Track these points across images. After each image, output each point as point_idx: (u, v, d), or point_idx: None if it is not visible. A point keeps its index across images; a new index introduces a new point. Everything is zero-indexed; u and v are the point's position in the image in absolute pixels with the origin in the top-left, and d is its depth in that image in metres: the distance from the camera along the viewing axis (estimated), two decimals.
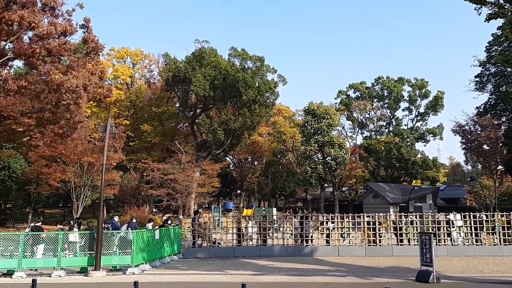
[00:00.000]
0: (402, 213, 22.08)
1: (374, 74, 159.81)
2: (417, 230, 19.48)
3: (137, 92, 52.85)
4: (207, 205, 54.60)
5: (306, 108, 53.71)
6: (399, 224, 20.10)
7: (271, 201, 74.55)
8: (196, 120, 51.86)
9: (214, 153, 51.02)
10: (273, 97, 53.09)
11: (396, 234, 20.04)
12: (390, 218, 20.77)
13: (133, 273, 15.33)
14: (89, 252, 16.07)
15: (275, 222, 21.85)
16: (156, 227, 20.49)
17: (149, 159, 45.50)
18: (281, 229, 21.34)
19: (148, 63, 57.58)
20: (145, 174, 46.22)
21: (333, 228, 20.54)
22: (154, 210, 48.13)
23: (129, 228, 18.69)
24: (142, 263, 16.56)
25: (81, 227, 21.41)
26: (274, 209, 38.17)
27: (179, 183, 41.90)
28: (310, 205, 60.03)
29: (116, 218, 23.13)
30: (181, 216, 39.05)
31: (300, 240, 20.38)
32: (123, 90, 51.69)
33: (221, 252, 20.24)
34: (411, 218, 20.58)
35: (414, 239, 19.38)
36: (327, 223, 20.72)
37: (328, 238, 20.37)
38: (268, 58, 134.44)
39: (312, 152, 50.94)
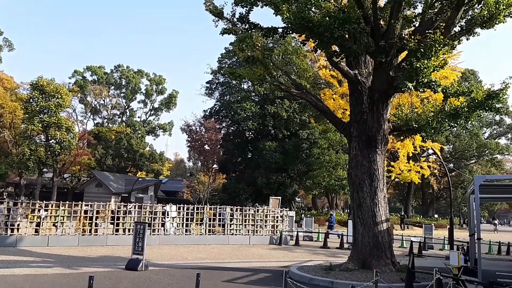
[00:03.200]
0: (122, 203, 22.24)
1: (116, 60, 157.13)
2: (134, 220, 19.91)
3: None
4: None
5: (34, 82, 47.89)
6: (117, 214, 20.15)
7: None
8: None
9: None
10: None
11: (113, 224, 19.99)
12: (109, 208, 20.56)
13: None
14: None
15: None
16: None
17: None
18: None
19: None
20: None
21: (46, 216, 18.86)
22: None
23: None
24: None
25: None
26: None
27: None
28: (23, 190, 53.75)
29: None
30: None
31: (4, 229, 17.84)
32: None
33: None
34: (130, 208, 20.91)
35: (130, 229, 19.71)
36: (39, 210, 18.85)
37: (38, 227, 18.56)
38: None
39: (34, 132, 45.65)
